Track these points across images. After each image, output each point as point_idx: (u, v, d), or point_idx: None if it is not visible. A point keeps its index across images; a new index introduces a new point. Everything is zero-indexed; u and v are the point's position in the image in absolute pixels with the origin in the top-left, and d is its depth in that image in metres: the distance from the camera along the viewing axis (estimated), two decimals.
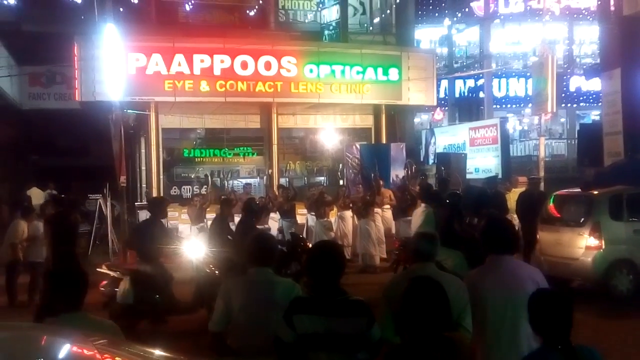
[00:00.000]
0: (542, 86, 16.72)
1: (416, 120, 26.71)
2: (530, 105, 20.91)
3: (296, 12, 21.72)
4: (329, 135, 18.80)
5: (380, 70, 17.15)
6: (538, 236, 10.51)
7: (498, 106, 25.47)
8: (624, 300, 9.44)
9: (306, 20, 21.62)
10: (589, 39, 26.95)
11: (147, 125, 16.61)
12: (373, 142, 18.30)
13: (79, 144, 23.55)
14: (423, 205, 9.50)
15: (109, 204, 14.49)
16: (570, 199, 10.64)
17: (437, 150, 20.30)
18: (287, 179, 17.45)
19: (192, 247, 9.06)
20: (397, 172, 16.19)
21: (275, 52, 16.39)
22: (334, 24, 20.81)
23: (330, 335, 3.30)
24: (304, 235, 13.24)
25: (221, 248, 8.64)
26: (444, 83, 25.44)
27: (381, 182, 14.21)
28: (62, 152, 23.35)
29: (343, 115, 19.16)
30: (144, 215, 15.29)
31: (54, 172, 20.18)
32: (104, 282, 8.22)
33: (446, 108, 26.26)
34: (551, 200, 10.69)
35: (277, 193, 14.74)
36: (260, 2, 20.48)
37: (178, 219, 15.41)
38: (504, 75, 26.25)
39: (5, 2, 20.73)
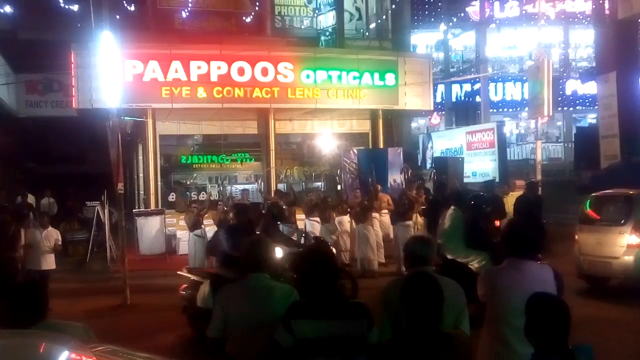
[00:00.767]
0: (538, 90, 16.79)
1: (413, 124, 26.77)
2: (526, 109, 20.98)
3: (292, 18, 21.78)
4: (327, 140, 18.82)
5: (376, 75, 17.21)
6: (576, 237, 10.55)
7: (495, 110, 25.58)
8: None
9: (302, 26, 21.65)
10: (584, 43, 27.11)
11: (144, 132, 16.64)
12: (370, 147, 18.34)
13: (76, 152, 23.53)
14: (452, 207, 9.48)
15: (106, 211, 14.46)
16: (609, 199, 10.69)
17: (435, 155, 20.34)
18: (286, 184, 17.44)
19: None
20: (395, 177, 16.22)
21: (272, 58, 16.43)
22: (330, 29, 20.83)
23: (330, 338, 3.30)
24: (302, 241, 13.19)
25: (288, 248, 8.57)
26: (441, 87, 25.55)
27: (379, 187, 14.22)
28: (59, 159, 23.35)
29: (340, 120, 19.18)
30: (141, 222, 15.31)
31: (51, 180, 20.16)
32: (184, 286, 8.19)
33: (443, 112, 26.36)
34: (587, 204, 10.71)
35: (274, 198, 14.70)
36: (257, 8, 20.53)
37: (176, 225, 15.43)
38: (500, 79, 26.37)
39: (2, 10, 20.74)
